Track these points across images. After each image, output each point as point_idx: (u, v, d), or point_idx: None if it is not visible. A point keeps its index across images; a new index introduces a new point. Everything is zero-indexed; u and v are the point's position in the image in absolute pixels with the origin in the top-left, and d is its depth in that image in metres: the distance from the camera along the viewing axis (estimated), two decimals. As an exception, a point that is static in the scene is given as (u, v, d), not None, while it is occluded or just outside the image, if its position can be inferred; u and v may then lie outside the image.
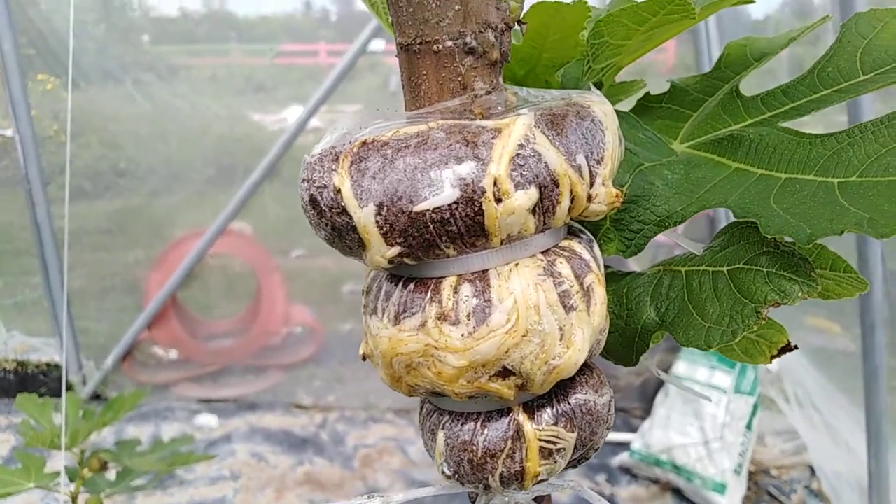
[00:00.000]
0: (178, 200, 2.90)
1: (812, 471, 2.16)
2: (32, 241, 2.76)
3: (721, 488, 1.99)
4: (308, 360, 2.50)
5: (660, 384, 2.27)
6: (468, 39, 0.23)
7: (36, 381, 2.43)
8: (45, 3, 2.94)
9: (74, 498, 1.36)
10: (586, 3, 0.28)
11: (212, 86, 3.41)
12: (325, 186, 0.22)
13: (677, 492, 2.07)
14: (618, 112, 0.33)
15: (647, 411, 2.28)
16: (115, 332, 2.51)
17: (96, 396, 2.44)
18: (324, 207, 0.22)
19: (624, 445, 2.27)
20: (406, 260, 0.22)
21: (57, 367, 2.40)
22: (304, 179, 0.23)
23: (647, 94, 0.37)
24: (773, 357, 0.33)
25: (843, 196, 0.25)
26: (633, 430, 2.27)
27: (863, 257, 1.68)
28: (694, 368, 2.19)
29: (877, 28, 0.33)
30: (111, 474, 1.46)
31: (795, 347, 0.33)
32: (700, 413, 2.11)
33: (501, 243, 0.22)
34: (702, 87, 0.36)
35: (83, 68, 2.91)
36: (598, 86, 0.32)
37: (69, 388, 2.40)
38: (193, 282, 2.48)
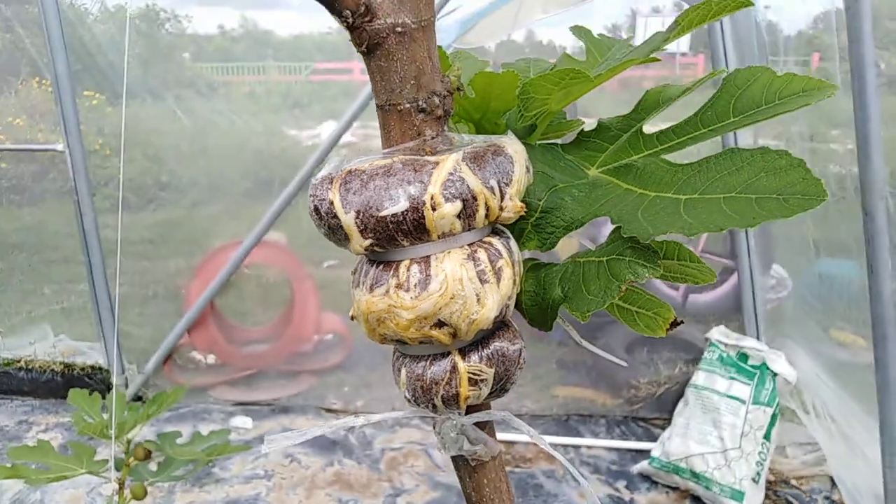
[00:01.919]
0: (216, 212, 3.08)
1: (833, 482, 2.20)
2: (79, 249, 2.94)
3: (739, 496, 2.05)
4: (337, 367, 2.64)
5: (679, 394, 2.34)
6: (420, 103, 0.36)
7: (81, 382, 2.61)
8: (92, 22, 3.13)
9: (122, 484, 1.51)
10: (515, 73, 0.40)
11: (249, 102, 3.59)
12: (324, 199, 0.35)
13: (696, 499, 2.14)
14: (548, 145, 0.46)
15: (668, 421, 2.36)
16: (156, 337, 2.68)
17: (138, 398, 2.61)
18: (323, 213, 0.35)
19: (644, 453, 2.34)
20: (376, 248, 0.35)
21: (101, 369, 2.58)
22: (311, 195, 0.36)
23: (582, 129, 0.50)
24: (667, 330, 0.45)
25: (684, 209, 0.37)
26: (654, 439, 2.35)
27: (874, 271, 1.76)
28: (713, 379, 2.26)
29: (750, 82, 0.45)
30: (153, 465, 1.61)
31: (682, 322, 0.45)
32: (719, 422, 2.18)
33: (438, 238, 0.34)
34: (621, 125, 0.48)
35: (127, 85, 3.07)
36: (533, 127, 0.45)
37: (111, 388, 2.58)
38: (230, 290, 2.65)
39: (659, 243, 0.39)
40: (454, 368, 0.36)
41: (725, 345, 2.27)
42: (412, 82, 0.35)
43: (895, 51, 2.45)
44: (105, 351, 2.51)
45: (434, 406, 0.37)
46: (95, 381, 2.57)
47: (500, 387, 0.38)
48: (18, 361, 2.58)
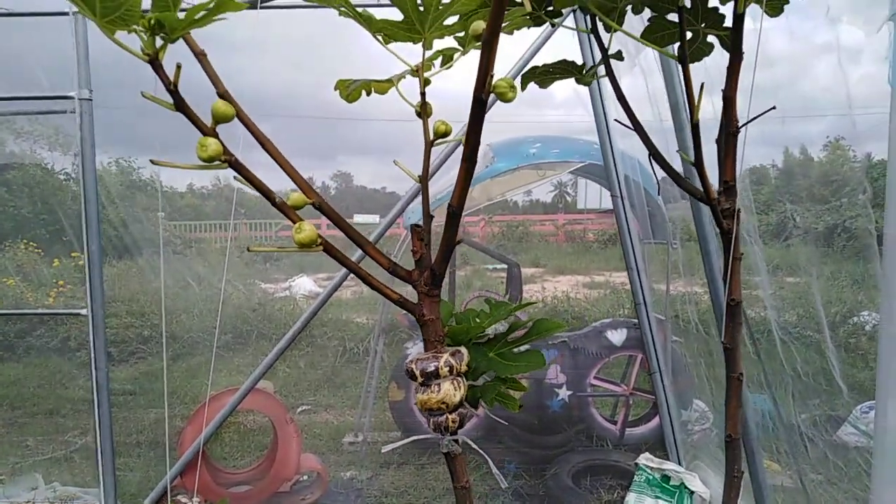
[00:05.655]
0: (197, 363, 4.23)
1: (745, 586, 3.32)
2: (60, 403, 4.02)
3: None
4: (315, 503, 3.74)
5: (616, 514, 3.50)
6: (438, 338, 1.59)
7: (79, 525, 3.64)
8: (71, 183, 4.34)
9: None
10: (466, 325, 1.64)
11: (222, 257, 4.81)
12: (410, 367, 1.56)
13: None
14: (476, 345, 1.70)
15: (607, 539, 3.50)
16: (145, 481, 3.75)
17: (131, 537, 3.64)
18: (409, 371, 1.56)
19: (588, 568, 3.46)
20: (424, 382, 1.56)
21: (100, 510, 3.62)
22: (406, 365, 1.57)
23: (488, 336, 1.74)
24: (519, 408, 1.68)
25: (513, 368, 1.60)
26: (596, 554, 3.48)
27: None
28: (641, 499, 3.44)
29: (547, 322, 1.69)
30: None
31: (522, 406, 1.67)
32: (646, 535, 3.33)
33: (443, 377, 1.56)
34: (502, 336, 1.72)
35: (106, 244, 4.24)
36: (471, 340, 1.69)
37: (109, 529, 3.61)
38: (218, 435, 3.76)
39: (511, 378, 1.61)
40: (447, 417, 1.57)
41: (651, 468, 3.47)
42: (434, 332, 1.58)
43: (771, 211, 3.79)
44: (102, 495, 3.57)
45: (440, 431, 1.57)
46: (93, 522, 3.60)
47: (461, 424, 1.58)
48: (18, 507, 3.61)
